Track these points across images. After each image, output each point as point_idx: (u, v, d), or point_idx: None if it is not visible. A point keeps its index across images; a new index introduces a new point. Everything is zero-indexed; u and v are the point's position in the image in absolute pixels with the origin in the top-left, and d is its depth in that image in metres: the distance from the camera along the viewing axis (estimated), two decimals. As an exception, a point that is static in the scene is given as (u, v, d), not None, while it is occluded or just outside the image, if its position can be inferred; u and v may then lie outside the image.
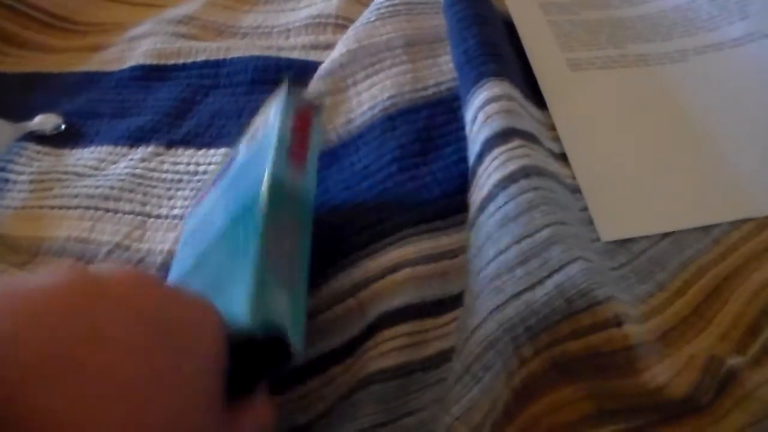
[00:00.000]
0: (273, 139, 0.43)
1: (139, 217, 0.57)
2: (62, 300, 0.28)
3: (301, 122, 0.47)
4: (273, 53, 0.71)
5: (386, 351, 0.43)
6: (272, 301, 0.36)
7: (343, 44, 0.65)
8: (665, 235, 0.48)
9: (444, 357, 0.42)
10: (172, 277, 0.48)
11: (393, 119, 0.58)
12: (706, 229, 0.48)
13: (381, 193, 0.52)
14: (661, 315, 0.43)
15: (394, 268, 0.47)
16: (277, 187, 0.41)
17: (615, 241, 0.48)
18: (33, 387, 0.24)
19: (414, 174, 0.53)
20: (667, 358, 0.40)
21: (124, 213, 0.58)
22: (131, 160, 0.62)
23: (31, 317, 0.26)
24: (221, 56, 0.72)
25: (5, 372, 0.24)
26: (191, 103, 0.68)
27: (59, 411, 0.25)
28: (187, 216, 0.52)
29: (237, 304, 0.35)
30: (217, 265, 0.41)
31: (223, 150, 0.61)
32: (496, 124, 0.48)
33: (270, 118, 0.46)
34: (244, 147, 0.49)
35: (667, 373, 0.39)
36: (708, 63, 0.60)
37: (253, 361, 0.36)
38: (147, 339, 0.29)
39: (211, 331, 0.32)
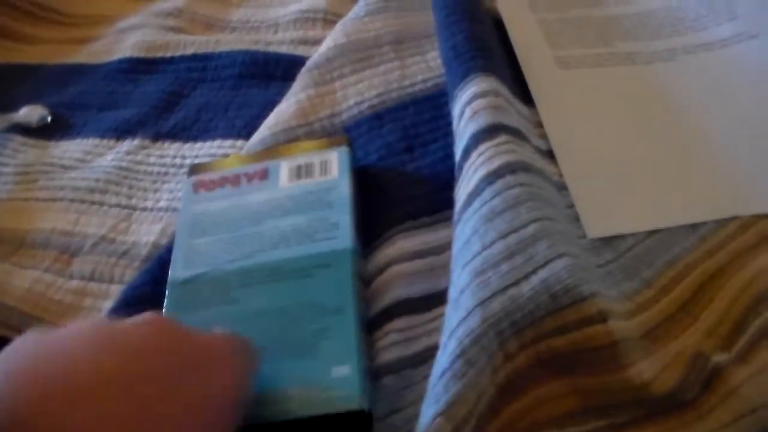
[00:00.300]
0: (345, 206, 0.48)
1: (125, 210, 0.57)
2: (84, 341, 0.32)
3: (355, 190, 0.51)
4: (261, 48, 0.71)
5: (377, 350, 0.43)
6: (368, 388, 0.41)
7: (331, 38, 0.65)
8: (651, 232, 0.48)
9: (431, 353, 0.42)
10: (180, 254, 0.48)
11: (380, 117, 0.58)
12: (692, 227, 0.48)
13: (367, 193, 0.52)
14: (647, 312, 0.43)
15: (381, 270, 0.47)
16: (358, 264, 0.46)
17: (601, 239, 0.48)
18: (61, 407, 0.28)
19: (400, 172, 0.53)
20: (652, 355, 0.40)
21: (110, 206, 0.57)
22: (117, 152, 0.62)
23: (66, 352, 0.32)
24: (210, 50, 0.72)
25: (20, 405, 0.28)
26: (179, 96, 0.68)
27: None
28: (187, 199, 0.52)
29: (341, 382, 0.40)
30: (290, 300, 0.44)
31: (209, 143, 0.61)
32: (482, 120, 0.47)
33: (335, 175, 0.51)
34: (286, 172, 0.51)
35: (652, 369, 0.39)
36: (697, 63, 0.60)
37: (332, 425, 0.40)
38: (165, 369, 0.33)
39: (226, 369, 0.36)
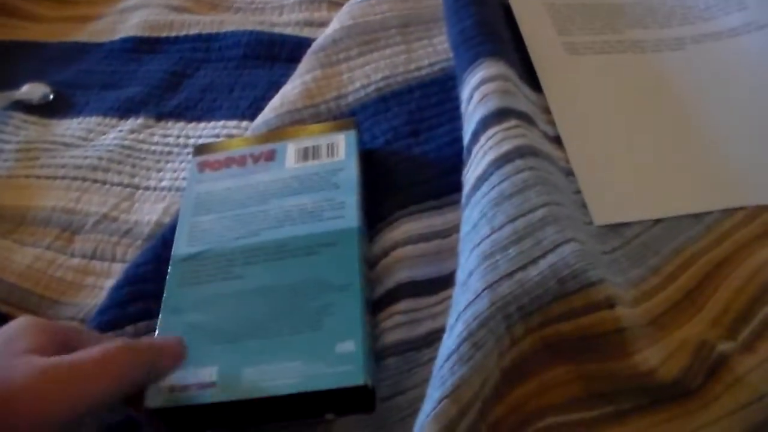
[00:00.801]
0: (353, 188, 0.48)
1: (128, 189, 0.57)
2: None
3: (361, 171, 0.50)
4: (266, 29, 0.71)
5: (380, 331, 0.43)
6: (372, 365, 0.41)
7: (338, 21, 0.64)
8: (658, 220, 0.48)
9: (436, 336, 0.42)
10: (183, 231, 0.48)
11: (386, 100, 0.58)
12: (698, 216, 0.48)
13: (373, 177, 0.52)
14: (652, 299, 0.43)
15: (386, 252, 0.47)
16: (364, 244, 0.46)
17: (608, 226, 0.47)
18: None
19: (406, 156, 0.53)
20: (658, 342, 0.40)
21: (113, 184, 0.57)
22: (120, 131, 0.62)
23: None
24: (214, 30, 0.71)
25: None
26: (182, 76, 0.67)
27: None
28: (192, 179, 0.51)
29: (345, 358, 0.39)
30: (295, 277, 0.44)
31: (213, 123, 0.61)
32: (491, 104, 0.47)
33: (342, 157, 0.50)
34: (293, 153, 0.51)
35: (657, 356, 0.39)
36: (705, 52, 0.60)
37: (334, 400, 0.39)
38: None
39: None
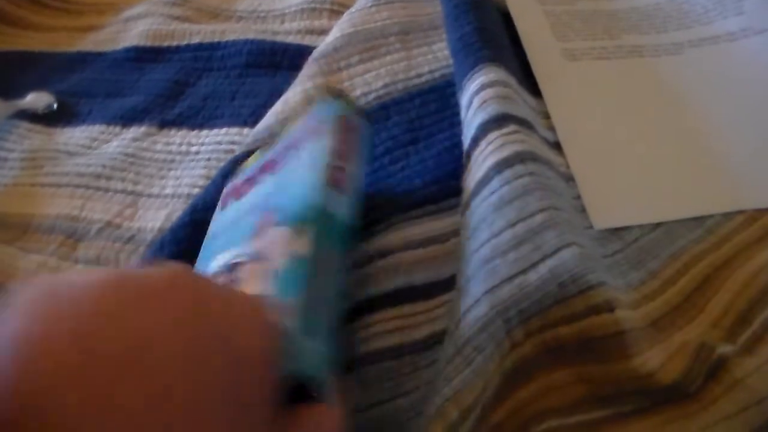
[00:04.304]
0: (317, 161, 0.41)
1: (131, 196, 0.57)
2: (97, 301, 0.25)
3: (346, 143, 0.44)
4: (268, 37, 0.71)
5: (378, 333, 0.43)
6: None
7: (338, 28, 0.65)
8: (658, 224, 0.48)
9: (435, 340, 0.42)
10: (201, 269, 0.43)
11: (386, 108, 0.58)
12: (698, 219, 0.48)
13: (372, 183, 0.52)
14: (652, 302, 0.44)
15: (383, 256, 0.47)
16: (316, 218, 0.39)
17: (608, 229, 0.48)
18: (61, 394, 0.22)
19: (405, 163, 0.53)
20: (658, 345, 0.40)
21: (116, 192, 0.57)
22: (123, 139, 0.62)
23: (65, 320, 0.24)
24: (216, 39, 0.72)
25: (31, 378, 0.22)
26: (184, 85, 0.68)
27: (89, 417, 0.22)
28: (227, 204, 0.48)
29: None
30: None
31: (215, 131, 0.61)
32: (491, 109, 0.47)
33: (316, 135, 0.44)
34: (282, 153, 0.46)
35: (657, 359, 0.39)
36: (703, 56, 0.60)
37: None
38: (187, 344, 0.25)
39: (259, 335, 0.28)
